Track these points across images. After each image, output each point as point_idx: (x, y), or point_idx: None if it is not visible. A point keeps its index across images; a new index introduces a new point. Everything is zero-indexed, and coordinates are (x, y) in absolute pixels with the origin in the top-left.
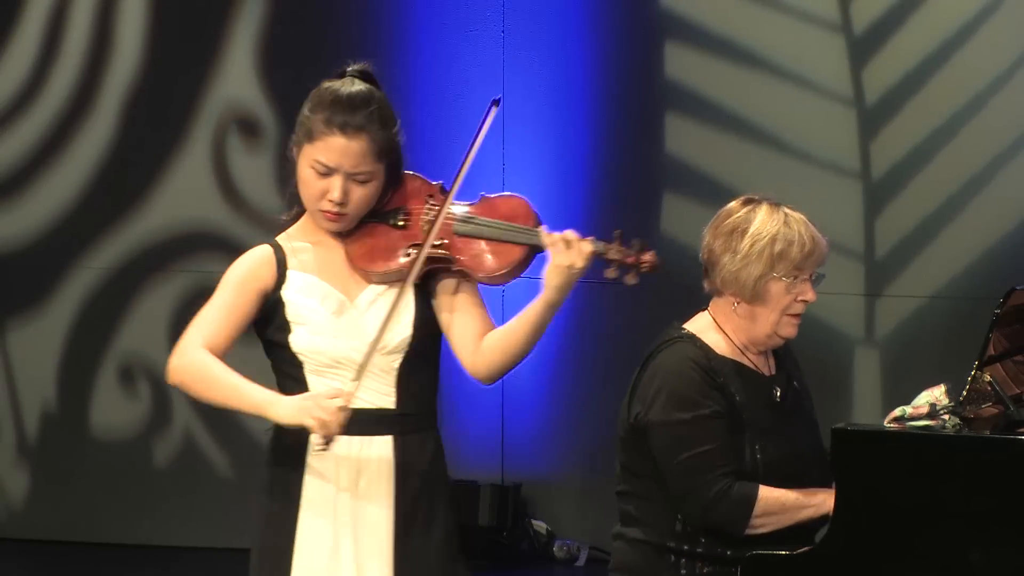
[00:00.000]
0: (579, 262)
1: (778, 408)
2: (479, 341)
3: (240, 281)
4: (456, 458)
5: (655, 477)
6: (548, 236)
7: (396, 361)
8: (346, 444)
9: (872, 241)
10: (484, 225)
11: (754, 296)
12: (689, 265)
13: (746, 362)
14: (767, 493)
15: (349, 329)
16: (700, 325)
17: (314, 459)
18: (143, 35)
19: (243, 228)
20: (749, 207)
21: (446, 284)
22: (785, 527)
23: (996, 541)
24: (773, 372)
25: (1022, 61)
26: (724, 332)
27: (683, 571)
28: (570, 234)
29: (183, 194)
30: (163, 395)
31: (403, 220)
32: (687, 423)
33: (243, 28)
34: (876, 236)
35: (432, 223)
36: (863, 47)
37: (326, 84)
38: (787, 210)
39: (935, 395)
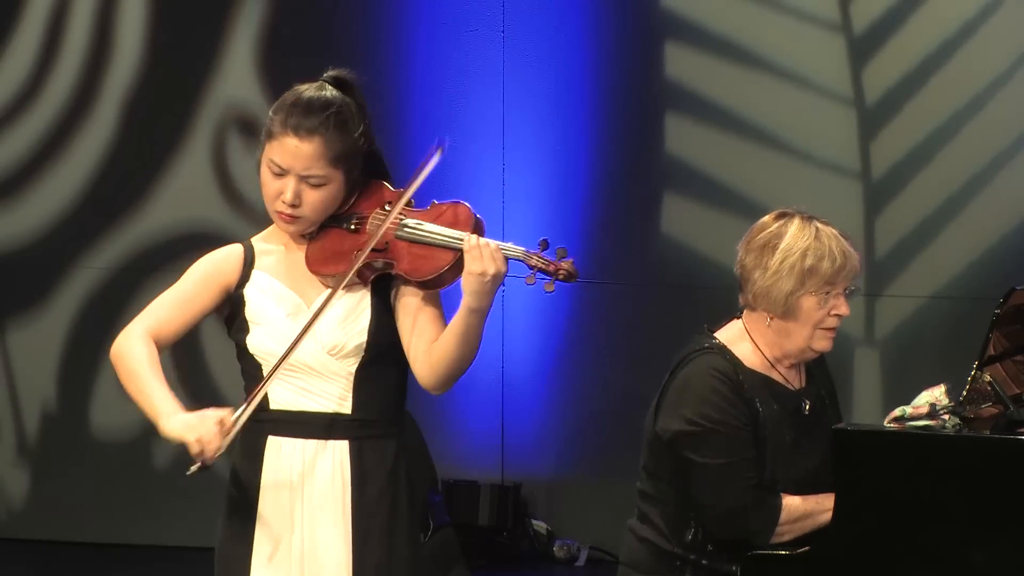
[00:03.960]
0: (491, 268)
1: (803, 421)
2: (427, 350)
3: (204, 274)
4: (456, 458)
5: (674, 485)
6: (467, 242)
7: (352, 366)
8: (300, 447)
9: (872, 241)
10: (423, 231)
11: (786, 312)
12: (689, 265)
13: (775, 376)
14: (790, 501)
15: (304, 335)
16: (731, 335)
17: (269, 465)
18: (143, 35)
19: (243, 228)
20: (781, 221)
21: (403, 291)
22: (807, 532)
23: (996, 540)
24: (803, 384)
25: (1022, 61)
26: (756, 344)
27: (687, 574)
28: (484, 240)
29: (183, 194)
30: None
31: (355, 225)
32: (715, 432)
33: (243, 28)
34: (876, 236)
35: (378, 228)
36: (863, 47)
37: (295, 87)
38: (819, 224)
39: (935, 395)
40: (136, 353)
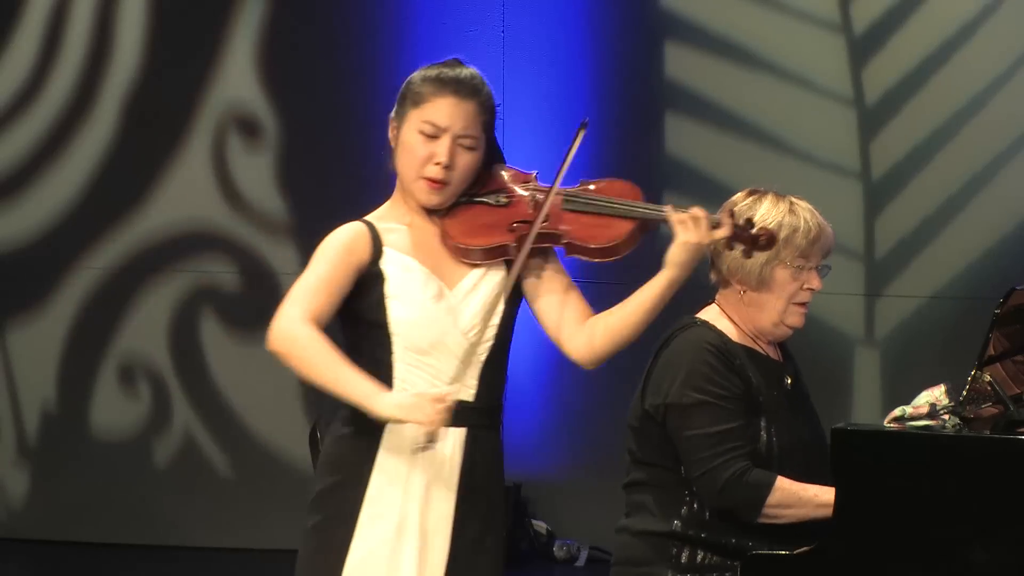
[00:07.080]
0: (706, 239)
1: (788, 395)
2: (581, 325)
3: (336, 253)
4: None
5: (668, 464)
6: (675, 213)
7: (484, 354)
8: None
9: (872, 241)
10: (592, 201)
11: (760, 283)
12: None
13: (758, 348)
14: (785, 484)
15: (446, 317)
16: (711, 315)
17: (386, 444)
18: (143, 35)
19: (243, 228)
20: (754, 196)
21: (539, 271)
22: (802, 520)
23: (996, 541)
24: (781, 360)
25: (1022, 61)
26: (733, 321)
27: (683, 560)
28: (698, 211)
29: (183, 194)
30: (163, 395)
31: (506, 199)
32: (705, 403)
33: (243, 28)
34: (876, 236)
35: (538, 200)
36: (863, 47)
37: (429, 65)
38: (793, 199)
39: (935, 395)
40: (313, 336)
